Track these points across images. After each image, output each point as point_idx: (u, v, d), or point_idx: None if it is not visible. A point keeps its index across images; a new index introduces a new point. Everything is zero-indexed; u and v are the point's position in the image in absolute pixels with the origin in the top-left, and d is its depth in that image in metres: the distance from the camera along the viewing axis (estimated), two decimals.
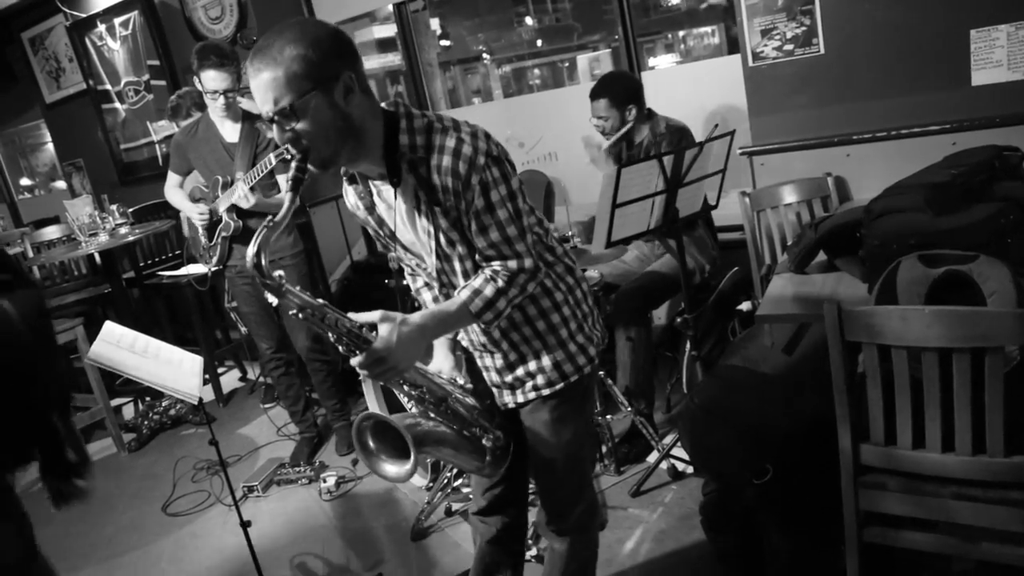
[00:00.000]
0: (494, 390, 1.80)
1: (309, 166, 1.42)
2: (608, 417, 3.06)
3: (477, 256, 1.56)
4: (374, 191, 1.62)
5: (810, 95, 3.32)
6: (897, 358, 1.76)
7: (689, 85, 3.96)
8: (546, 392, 1.72)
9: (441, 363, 1.81)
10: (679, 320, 2.89)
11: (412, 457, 1.55)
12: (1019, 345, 1.70)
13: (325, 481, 3.40)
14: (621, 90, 3.19)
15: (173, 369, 2.37)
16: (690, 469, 2.95)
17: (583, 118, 3.39)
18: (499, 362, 1.73)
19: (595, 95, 3.21)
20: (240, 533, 2.59)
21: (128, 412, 4.87)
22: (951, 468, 1.76)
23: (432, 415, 1.68)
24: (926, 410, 1.76)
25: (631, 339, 3.13)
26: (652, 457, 3.07)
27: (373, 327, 1.48)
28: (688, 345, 3.17)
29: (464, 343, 1.80)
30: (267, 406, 4.50)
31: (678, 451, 2.97)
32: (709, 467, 2.45)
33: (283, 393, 3.82)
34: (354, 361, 1.45)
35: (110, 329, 2.40)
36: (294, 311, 1.46)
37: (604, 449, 3.10)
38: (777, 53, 3.32)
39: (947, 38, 2.97)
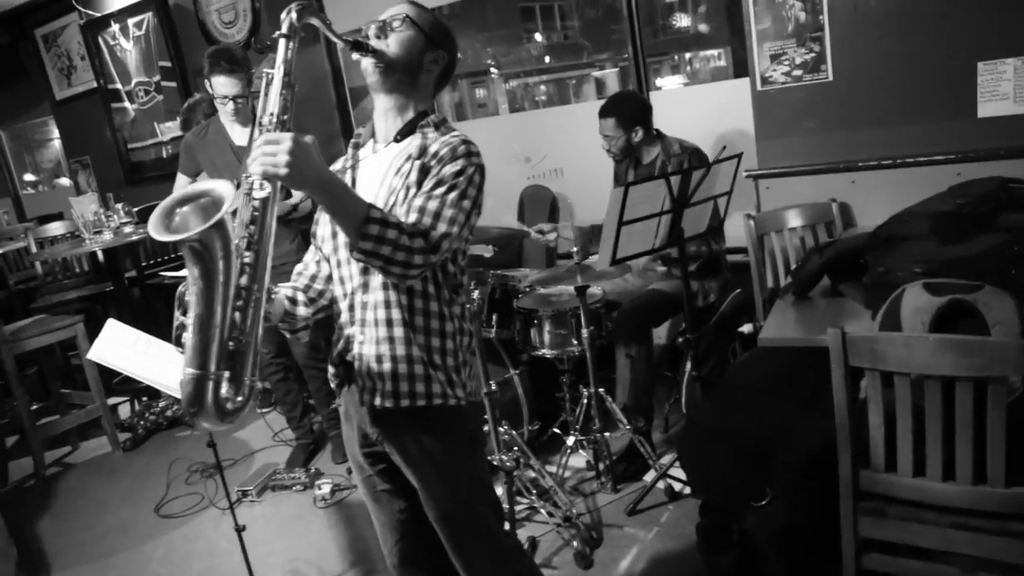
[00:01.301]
0: (359, 393, 1.70)
1: (374, 59, 1.63)
2: (606, 434, 3.05)
3: (403, 216, 1.57)
4: (370, 148, 1.76)
5: (817, 121, 3.34)
6: (900, 385, 1.77)
7: (696, 107, 3.99)
8: (405, 402, 1.65)
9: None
10: (680, 340, 2.90)
11: (186, 233, 1.32)
12: (1022, 375, 1.70)
13: (320, 488, 3.39)
14: (629, 111, 3.22)
15: (174, 369, 2.36)
16: (687, 490, 2.94)
17: (589, 135, 3.41)
18: (371, 349, 1.66)
19: (603, 114, 3.24)
20: (233, 537, 2.58)
21: (124, 411, 4.85)
22: (951, 497, 1.76)
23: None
24: (927, 438, 1.76)
25: (631, 356, 3.13)
26: (649, 476, 3.06)
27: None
28: (688, 365, 3.17)
29: (351, 324, 1.69)
30: (263, 410, 4.49)
31: (676, 471, 2.97)
32: (707, 488, 2.45)
33: (281, 398, 3.82)
34: (263, 136, 1.41)
35: (112, 327, 2.40)
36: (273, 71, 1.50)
37: (601, 466, 3.10)
38: (786, 78, 3.35)
39: (955, 69, 3.00)
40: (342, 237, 1.66)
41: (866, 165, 3.24)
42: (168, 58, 5.43)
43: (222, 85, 3.29)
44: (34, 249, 5.50)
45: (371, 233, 1.46)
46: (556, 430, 3.35)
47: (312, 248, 1.83)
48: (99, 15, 5.74)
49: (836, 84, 3.23)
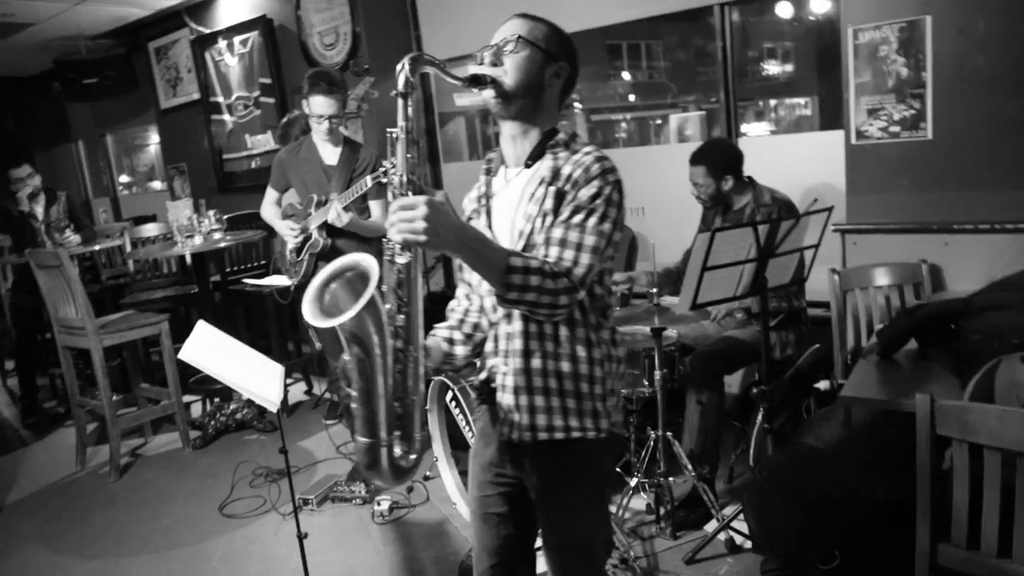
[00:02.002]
0: (499, 427, 1.68)
1: (493, 90, 1.60)
2: (670, 479, 3.01)
3: (542, 248, 1.55)
4: (501, 176, 1.72)
5: (912, 179, 3.26)
6: (989, 459, 1.70)
7: (783, 156, 3.94)
8: (543, 436, 1.62)
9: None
10: (755, 391, 2.84)
11: (340, 318, 1.37)
12: None
13: (379, 504, 3.43)
14: (720, 160, 3.21)
15: (256, 374, 2.44)
16: (748, 543, 2.87)
17: (672, 177, 3.40)
18: (511, 380, 1.63)
19: (694, 161, 3.23)
20: (291, 544, 2.64)
21: (196, 410, 5.01)
22: None
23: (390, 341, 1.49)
24: (1016, 517, 1.69)
25: (701, 403, 3.09)
26: (710, 526, 3.00)
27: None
28: (760, 417, 3.10)
29: (495, 354, 1.68)
30: (329, 423, 4.57)
31: (738, 523, 2.91)
32: (773, 545, 2.39)
33: (348, 412, 3.87)
34: (396, 202, 1.39)
35: (202, 329, 2.49)
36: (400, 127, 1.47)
37: (662, 511, 3.06)
38: (882, 134, 3.29)
39: None
40: None
41: (962, 228, 3.15)
42: (268, 75, 5.65)
43: (320, 105, 3.42)
44: (129, 248, 5.76)
45: (515, 283, 1.44)
46: (618, 470, 3.32)
47: (460, 281, 1.82)
48: (209, 31, 6.02)
49: (935, 142, 3.16)
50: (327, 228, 3.52)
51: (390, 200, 1.44)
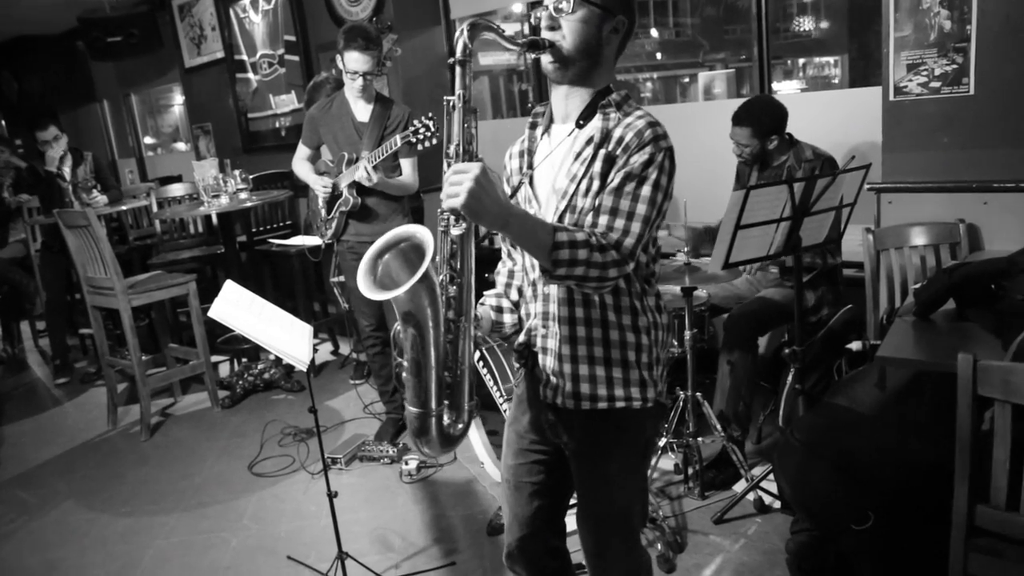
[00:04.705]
0: (541, 387, 1.66)
1: (551, 56, 1.53)
2: (699, 439, 3.00)
3: (590, 216, 1.50)
4: (547, 135, 1.65)
5: (952, 136, 3.17)
6: None
7: (816, 113, 3.85)
8: (586, 405, 1.60)
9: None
10: (787, 351, 2.81)
11: (395, 292, 1.38)
12: None
13: (407, 463, 3.45)
14: (767, 120, 3.13)
15: (285, 333, 2.44)
16: (777, 504, 2.86)
17: (701, 135, 3.33)
18: (553, 345, 1.60)
19: (739, 121, 3.15)
20: (320, 502, 2.65)
21: (224, 370, 5.06)
22: None
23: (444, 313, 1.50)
24: None
25: (731, 363, 3.07)
26: (739, 486, 2.99)
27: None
28: (791, 377, 3.07)
29: (534, 316, 1.66)
30: (356, 382, 4.61)
31: (767, 484, 2.90)
32: (805, 505, 2.37)
33: (376, 371, 3.89)
34: (451, 168, 1.36)
35: (231, 288, 2.49)
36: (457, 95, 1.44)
37: (690, 471, 3.05)
38: (922, 89, 3.19)
39: None
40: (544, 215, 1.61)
41: (1003, 186, 3.06)
42: (293, 33, 5.59)
43: (354, 61, 3.37)
44: (156, 208, 5.78)
45: (562, 259, 1.40)
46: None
47: (504, 240, 1.77)
48: None
49: (978, 98, 3.06)
50: (357, 187, 3.50)
51: (445, 169, 1.40)
